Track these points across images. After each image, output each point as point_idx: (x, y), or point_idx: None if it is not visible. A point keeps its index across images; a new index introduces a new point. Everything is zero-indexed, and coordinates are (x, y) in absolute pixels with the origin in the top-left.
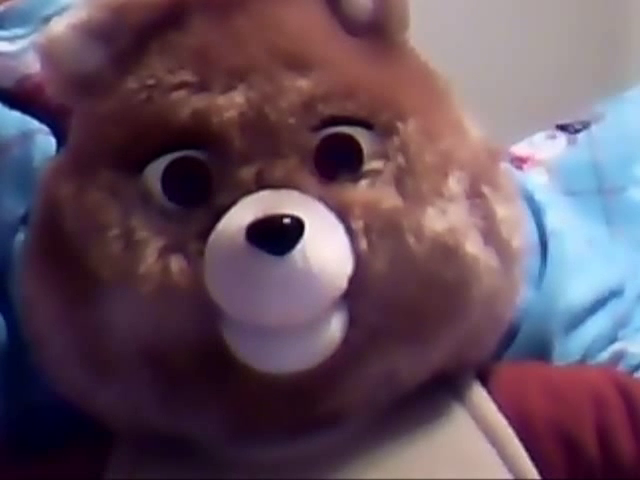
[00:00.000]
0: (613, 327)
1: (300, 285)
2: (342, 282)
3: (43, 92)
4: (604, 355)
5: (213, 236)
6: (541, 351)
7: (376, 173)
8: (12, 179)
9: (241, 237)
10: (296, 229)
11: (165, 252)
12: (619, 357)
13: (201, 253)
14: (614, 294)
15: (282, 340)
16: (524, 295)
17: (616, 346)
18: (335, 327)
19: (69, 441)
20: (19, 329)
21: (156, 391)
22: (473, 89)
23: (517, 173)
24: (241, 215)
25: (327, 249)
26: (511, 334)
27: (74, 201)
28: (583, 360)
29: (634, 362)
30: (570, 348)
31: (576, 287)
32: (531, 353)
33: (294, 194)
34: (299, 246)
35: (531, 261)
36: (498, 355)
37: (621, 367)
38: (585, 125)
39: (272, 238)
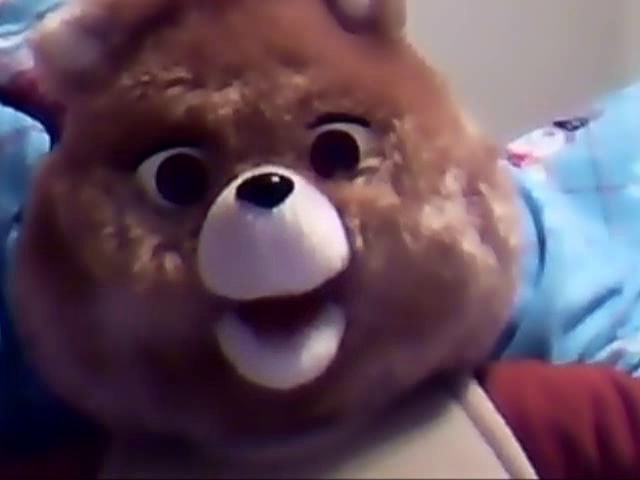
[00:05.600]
0: (612, 326)
1: (290, 242)
2: (337, 261)
3: (37, 89)
4: (603, 354)
5: (208, 215)
6: (539, 350)
7: (372, 171)
8: (5, 176)
9: (232, 197)
10: (284, 185)
11: (159, 250)
12: (618, 356)
13: (195, 251)
14: (613, 293)
15: (277, 354)
16: (522, 294)
17: (615, 345)
18: (331, 340)
19: (63, 441)
20: (13, 328)
21: (152, 390)
22: (471, 86)
23: (515, 170)
24: (232, 186)
25: (318, 213)
26: (509, 333)
27: (68, 199)
28: (582, 359)
29: (633, 361)
30: (569, 347)
31: (574, 286)
32: (529, 352)
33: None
34: (288, 201)
35: (529, 260)
36: (496, 354)
37: (620, 366)
38: (583, 122)
39: (260, 191)
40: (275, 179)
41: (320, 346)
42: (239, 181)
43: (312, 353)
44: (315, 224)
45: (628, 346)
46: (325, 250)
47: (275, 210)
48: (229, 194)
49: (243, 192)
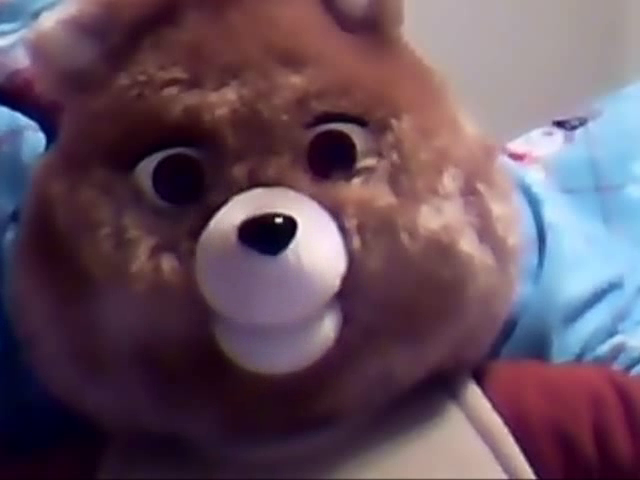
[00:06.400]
0: (612, 321)
1: (293, 285)
2: (335, 281)
3: (33, 88)
4: (603, 349)
5: (205, 235)
6: (540, 345)
7: (370, 171)
8: (1, 176)
9: (233, 236)
10: (288, 228)
11: (157, 251)
12: (618, 351)
13: (193, 252)
14: (613, 287)
15: (275, 340)
16: (522, 289)
17: (616, 339)
18: (328, 326)
19: (63, 441)
20: (11, 328)
21: (150, 390)
22: (471, 86)
23: (514, 165)
24: (233, 214)
25: (320, 248)
26: (509, 328)
27: (66, 199)
28: (582, 354)
29: (634, 355)
30: (569, 342)
31: (574, 281)
32: (529, 347)
33: (287, 192)
34: (291, 246)
35: (529, 255)
36: (496, 350)
37: (621, 360)
38: (582, 122)
39: (264, 238)
40: (279, 221)
41: (317, 330)
42: (241, 212)
43: (309, 337)
44: (317, 261)
45: (629, 341)
46: (326, 281)
47: (279, 256)
48: (230, 221)
49: (246, 235)
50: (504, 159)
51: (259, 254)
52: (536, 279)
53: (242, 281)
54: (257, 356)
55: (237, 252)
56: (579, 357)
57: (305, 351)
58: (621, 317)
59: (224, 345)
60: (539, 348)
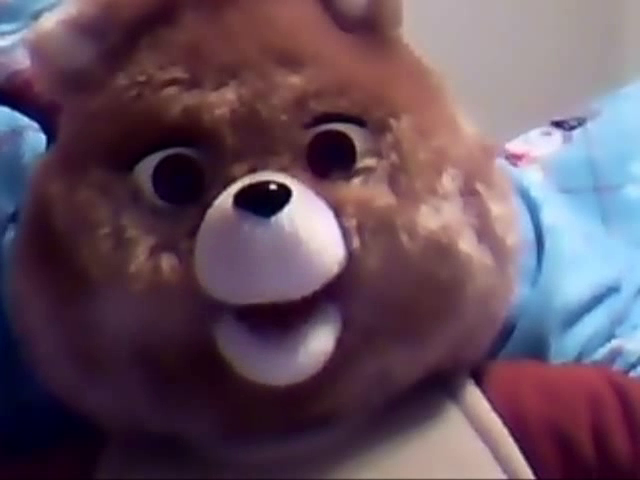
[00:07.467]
0: (610, 324)
1: (288, 251)
2: (334, 265)
3: (33, 88)
4: (601, 352)
5: (204, 220)
6: (537, 349)
7: (369, 171)
8: (1, 176)
9: (229, 204)
10: (282, 194)
11: (156, 251)
12: (616, 354)
13: (192, 251)
14: (611, 291)
15: (274, 351)
16: (520, 292)
17: (613, 343)
18: (328, 335)
19: (63, 441)
20: (10, 327)
21: (148, 391)
22: (471, 86)
23: (513, 169)
24: (230, 192)
25: (315, 221)
26: (507, 331)
27: (64, 199)
28: (580, 357)
29: (631, 359)
30: (567, 345)
31: (573, 284)
32: (527, 351)
33: (284, 176)
34: (286, 210)
35: (527, 258)
36: (494, 353)
37: (618, 364)
38: (580, 122)
39: (258, 199)
40: (273, 187)
41: (316, 343)
42: (236, 187)
43: (308, 350)
44: (312, 231)
45: (626, 344)
46: (322, 256)
47: (273, 219)
48: (226, 200)
49: (241, 200)
50: (501, 162)
51: (253, 216)
52: (534, 282)
53: (237, 247)
54: (257, 368)
55: (232, 217)
56: (577, 361)
57: (305, 362)
58: (619, 321)
59: (224, 350)
60: (537, 351)
